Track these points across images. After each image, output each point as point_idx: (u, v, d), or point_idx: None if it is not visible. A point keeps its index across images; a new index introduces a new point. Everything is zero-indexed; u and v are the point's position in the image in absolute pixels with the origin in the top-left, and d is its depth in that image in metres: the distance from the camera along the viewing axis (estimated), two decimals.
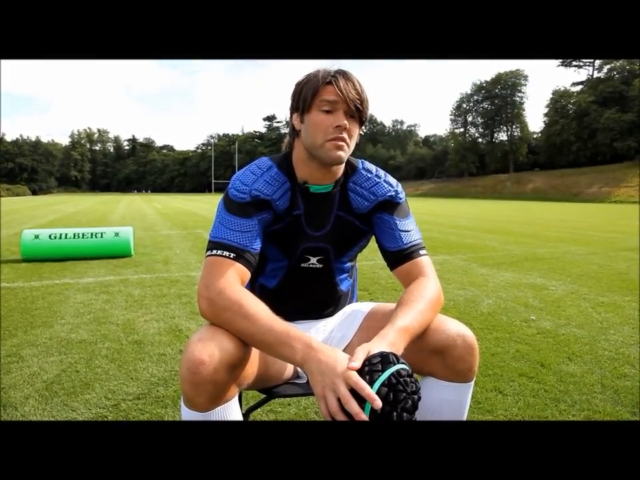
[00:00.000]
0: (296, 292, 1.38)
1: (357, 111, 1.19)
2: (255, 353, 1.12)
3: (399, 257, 1.29)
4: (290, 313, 1.27)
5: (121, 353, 2.83)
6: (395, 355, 0.96)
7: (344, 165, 1.30)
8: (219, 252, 1.15)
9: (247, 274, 1.17)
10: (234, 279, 1.12)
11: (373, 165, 1.37)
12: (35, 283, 4.86)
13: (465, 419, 1.25)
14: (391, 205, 1.31)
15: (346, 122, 1.18)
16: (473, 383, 1.22)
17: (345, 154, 1.21)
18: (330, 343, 1.39)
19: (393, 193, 1.31)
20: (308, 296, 1.40)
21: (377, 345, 1.00)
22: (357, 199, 1.30)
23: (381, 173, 1.35)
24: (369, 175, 1.32)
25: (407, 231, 1.30)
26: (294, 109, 1.26)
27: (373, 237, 1.38)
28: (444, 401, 1.19)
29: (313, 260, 1.33)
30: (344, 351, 1.35)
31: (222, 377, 0.99)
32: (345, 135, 1.18)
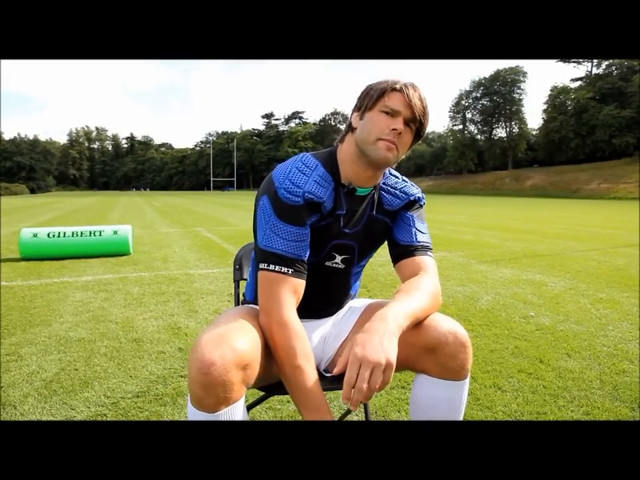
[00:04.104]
0: (313, 291, 1.34)
1: (418, 122, 1.22)
2: (262, 352, 1.13)
3: (407, 250, 1.32)
4: (298, 310, 1.27)
5: (120, 351, 2.83)
6: None
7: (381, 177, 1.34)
8: (275, 267, 1.17)
9: (301, 285, 1.21)
10: (291, 303, 1.17)
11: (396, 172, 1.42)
12: (34, 282, 4.86)
13: (461, 417, 1.24)
14: (415, 205, 1.38)
15: (402, 127, 1.20)
16: (467, 380, 1.22)
17: (392, 157, 1.22)
18: (327, 340, 1.39)
19: (420, 195, 1.39)
20: (323, 296, 1.39)
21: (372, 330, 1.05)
22: (390, 198, 1.34)
23: (405, 178, 1.41)
24: (397, 179, 1.38)
25: (421, 232, 1.35)
26: (357, 107, 1.27)
27: None
28: (438, 399, 1.19)
29: (338, 259, 1.33)
30: (340, 346, 1.35)
31: (232, 377, 0.99)
32: (397, 139, 1.20)
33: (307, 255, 1.21)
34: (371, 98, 1.23)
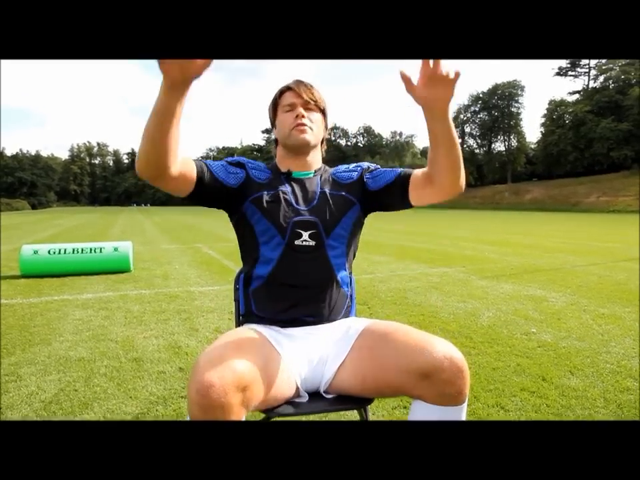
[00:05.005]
0: (293, 274, 1.39)
1: (314, 102, 1.44)
2: (262, 374, 1.12)
3: (403, 176, 1.40)
4: (288, 309, 1.36)
5: (120, 371, 2.81)
6: None
7: (321, 159, 1.54)
8: None
9: (192, 164, 1.31)
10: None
11: None
12: (34, 300, 4.85)
13: None
14: (372, 169, 1.52)
15: (302, 111, 1.42)
16: (465, 405, 1.21)
17: (309, 136, 1.42)
18: (326, 360, 1.38)
19: (372, 164, 1.54)
20: (305, 279, 1.40)
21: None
22: (344, 175, 1.50)
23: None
24: (348, 166, 1.56)
25: (393, 168, 1.49)
26: (271, 125, 1.54)
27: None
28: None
29: (305, 235, 1.39)
30: (338, 369, 1.34)
31: (231, 399, 0.99)
32: (305, 121, 1.41)
33: (211, 165, 1.37)
34: (273, 109, 1.49)
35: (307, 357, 1.36)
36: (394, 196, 1.42)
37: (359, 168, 1.52)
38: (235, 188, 1.40)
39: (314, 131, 1.43)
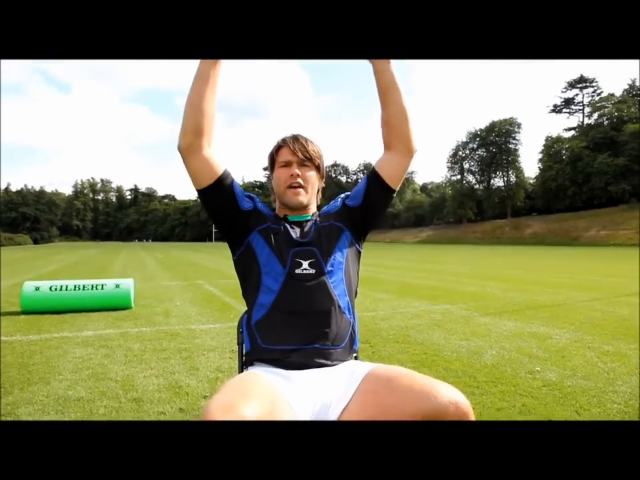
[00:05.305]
0: (295, 301, 1.42)
1: (308, 160, 1.53)
2: (271, 419, 1.12)
3: (373, 174, 1.54)
4: (293, 336, 1.38)
5: (119, 412, 2.77)
6: None
7: (316, 207, 1.64)
8: None
9: (222, 163, 1.46)
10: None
11: None
12: (34, 337, 4.81)
13: None
14: (348, 194, 1.64)
15: (297, 170, 1.52)
16: None
17: (303, 197, 1.53)
18: (329, 404, 1.37)
19: (346, 193, 1.67)
20: (307, 306, 1.42)
21: None
22: (330, 207, 1.63)
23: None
24: (328, 203, 1.68)
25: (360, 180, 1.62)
26: (270, 175, 1.63)
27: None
28: None
29: (305, 264, 1.47)
30: (341, 413, 1.33)
31: None
32: (300, 181, 1.52)
33: (229, 172, 1.48)
34: (270, 162, 1.60)
35: (311, 400, 1.35)
36: (376, 193, 1.55)
37: (339, 198, 1.65)
38: (244, 211, 1.51)
39: (307, 190, 1.54)
